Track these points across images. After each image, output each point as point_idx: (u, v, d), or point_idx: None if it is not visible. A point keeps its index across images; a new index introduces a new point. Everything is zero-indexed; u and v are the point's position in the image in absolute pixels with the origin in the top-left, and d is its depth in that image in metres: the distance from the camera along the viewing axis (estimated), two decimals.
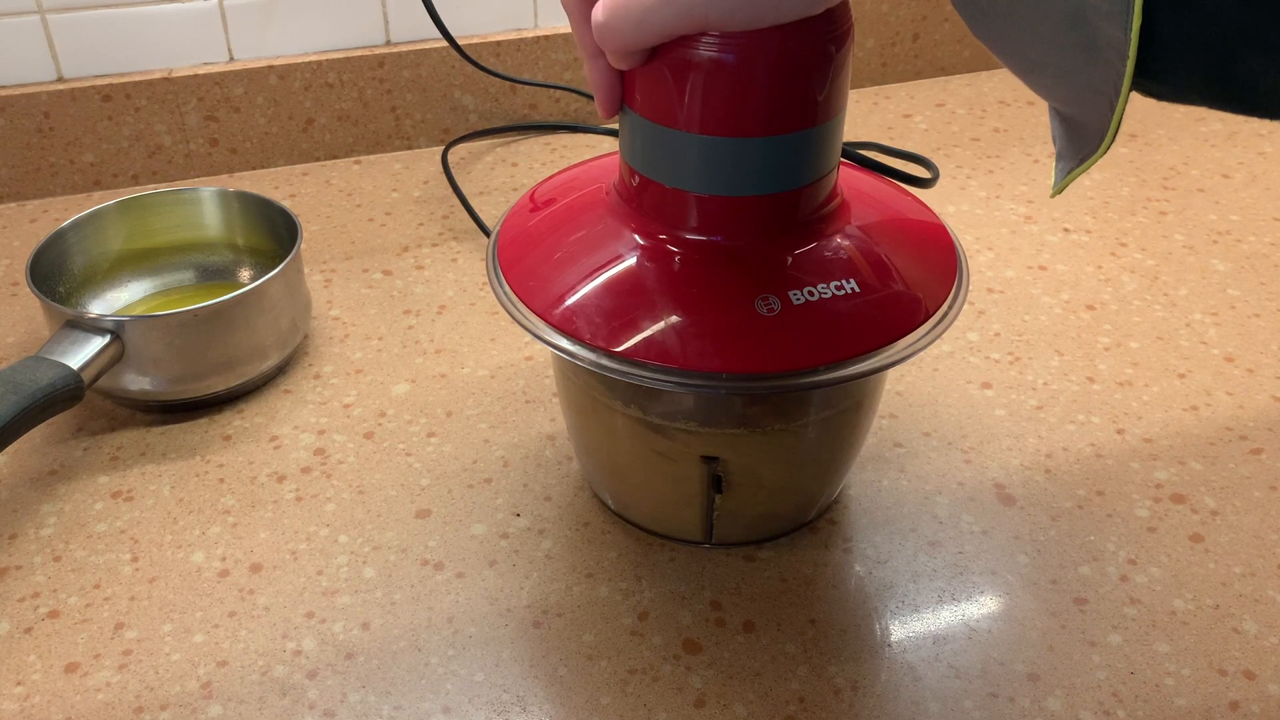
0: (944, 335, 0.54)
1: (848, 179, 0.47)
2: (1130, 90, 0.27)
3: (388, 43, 0.83)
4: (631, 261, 0.43)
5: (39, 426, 0.54)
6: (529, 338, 0.45)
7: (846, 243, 0.44)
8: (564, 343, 0.42)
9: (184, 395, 0.58)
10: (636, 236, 0.44)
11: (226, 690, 0.45)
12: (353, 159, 0.85)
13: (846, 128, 0.59)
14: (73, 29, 0.76)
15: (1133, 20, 0.26)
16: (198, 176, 0.82)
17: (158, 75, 0.78)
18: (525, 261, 0.45)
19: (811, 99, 0.40)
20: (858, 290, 0.42)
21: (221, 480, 0.56)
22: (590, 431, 0.50)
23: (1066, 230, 0.75)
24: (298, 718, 0.44)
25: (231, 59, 0.80)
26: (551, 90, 0.87)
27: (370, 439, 0.58)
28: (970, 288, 0.61)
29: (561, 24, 0.86)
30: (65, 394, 0.53)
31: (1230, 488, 0.55)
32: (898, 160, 0.54)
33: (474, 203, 0.78)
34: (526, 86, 0.86)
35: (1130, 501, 0.54)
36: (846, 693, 0.45)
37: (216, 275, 0.68)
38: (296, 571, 0.50)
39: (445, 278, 0.71)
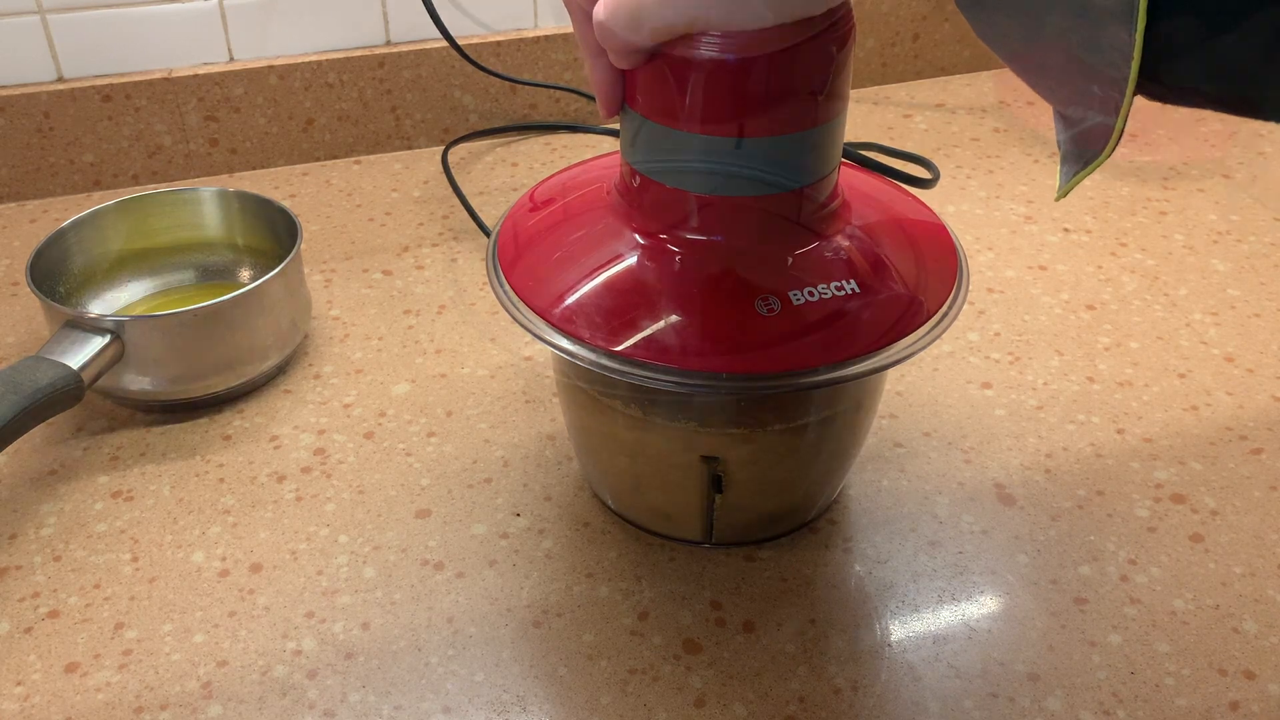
0: (944, 335, 0.54)
1: (848, 179, 0.47)
2: (1135, 93, 0.27)
3: (388, 43, 0.83)
4: (632, 261, 0.43)
5: (39, 426, 0.54)
6: (529, 337, 0.45)
7: (847, 243, 0.44)
8: (564, 342, 0.42)
9: (184, 395, 0.58)
10: (637, 236, 0.44)
11: (226, 690, 0.45)
12: (353, 159, 0.85)
13: (847, 128, 0.59)
14: (73, 29, 0.76)
15: (1137, 21, 0.26)
16: (198, 176, 0.82)
17: (158, 75, 0.78)
18: (525, 261, 0.45)
19: (812, 99, 0.40)
20: (858, 291, 0.42)
21: (221, 480, 0.56)
22: (590, 431, 0.50)
23: (1066, 230, 0.75)
24: (298, 718, 0.44)
25: (231, 59, 0.80)
26: (551, 90, 0.87)
27: (370, 439, 0.58)
28: (970, 288, 0.61)
29: (562, 24, 0.86)
30: (65, 394, 0.53)
31: (1230, 488, 0.55)
32: (898, 160, 0.54)
33: (474, 203, 0.78)
34: (526, 86, 0.86)
35: (1130, 501, 0.54)
36: (846, 693, 0.45)
37: (216, 275, 0.68)
38: (296, 571, 0.50)
39: (445, 278, 0.71)
